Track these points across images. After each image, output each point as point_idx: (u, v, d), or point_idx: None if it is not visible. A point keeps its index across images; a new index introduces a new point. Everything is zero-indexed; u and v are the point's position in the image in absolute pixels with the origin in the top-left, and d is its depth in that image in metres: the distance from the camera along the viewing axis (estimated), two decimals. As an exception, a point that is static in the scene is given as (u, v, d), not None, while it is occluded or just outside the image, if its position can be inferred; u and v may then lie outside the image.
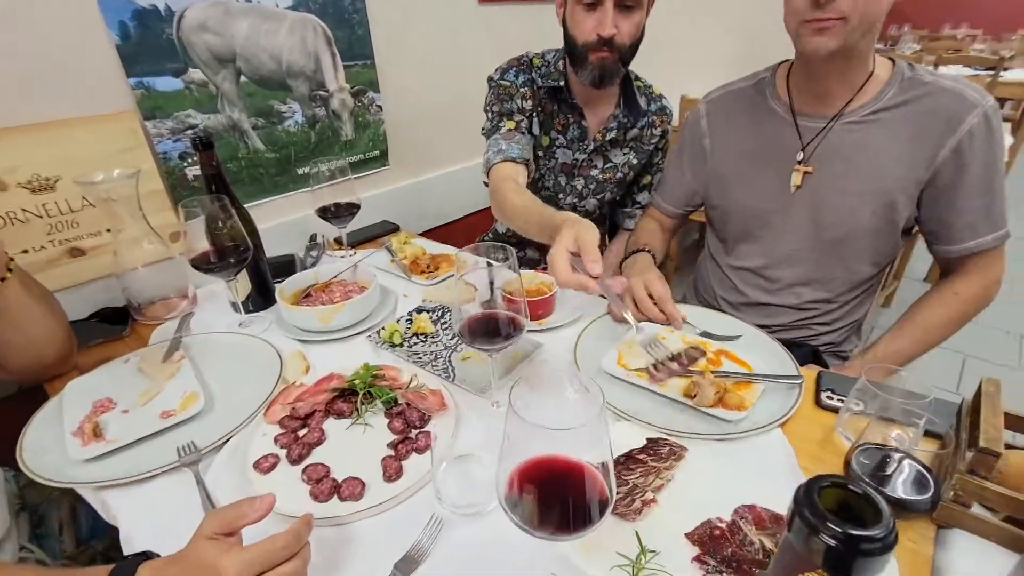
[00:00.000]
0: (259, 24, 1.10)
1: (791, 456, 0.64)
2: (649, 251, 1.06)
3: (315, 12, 1.18)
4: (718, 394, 0.69)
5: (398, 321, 0.95)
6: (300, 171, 1.27)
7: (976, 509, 0.52)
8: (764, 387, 0.73)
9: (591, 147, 1.13)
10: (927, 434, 0.63)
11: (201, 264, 0.87)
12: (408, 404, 0.73)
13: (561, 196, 1.20)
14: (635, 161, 1.16)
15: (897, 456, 0.56)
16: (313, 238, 1.27)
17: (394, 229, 1.39)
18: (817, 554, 0.20)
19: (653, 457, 0.62)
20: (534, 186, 1.17)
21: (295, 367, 0.83)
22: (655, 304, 0.89)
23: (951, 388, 1.98)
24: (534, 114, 1.10)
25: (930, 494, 0.53)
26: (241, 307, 0.99)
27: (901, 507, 0.53)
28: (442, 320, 0.96)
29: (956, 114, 0.83)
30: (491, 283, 0.97)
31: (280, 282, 1.07)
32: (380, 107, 1.37)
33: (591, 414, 0.39)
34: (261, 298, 1.03)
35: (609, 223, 1.40)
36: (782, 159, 0.97)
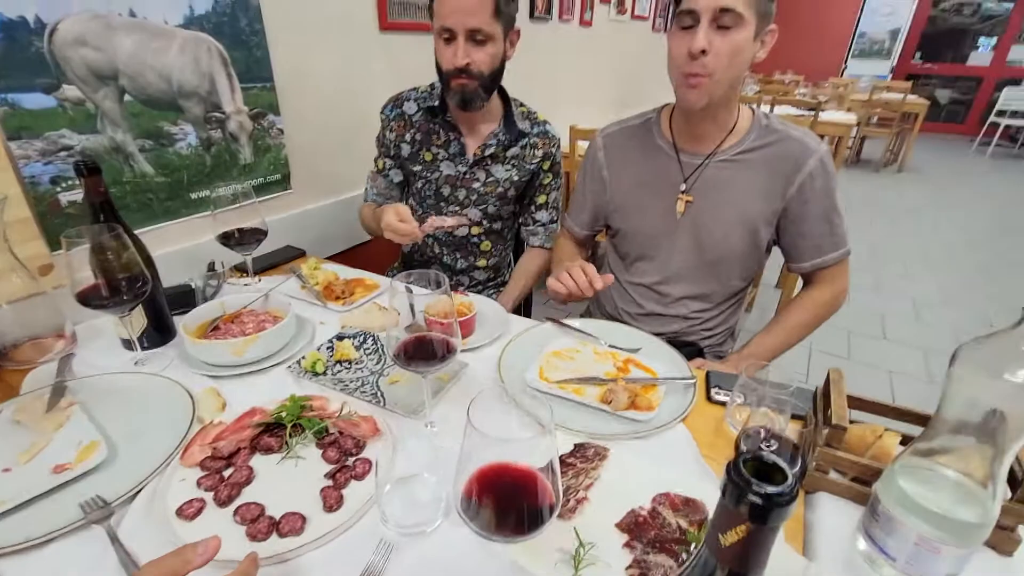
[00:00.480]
0: (146, 41, 1.03)
1: (693, 447, 0.74)
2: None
3: (209, 32, 1.13)
4: (630, 398, 0.78)
5: (319, 349, 0.93)
6: (194, 196, 1.19)
7: (832, 475, 0.65)
8: (665, 388, 0.84)
9: (471, 161, 1.26)
10: (793, 416, 0.77)
11: (91, 299, 0.79)
12: (341, 433, 0.73)
13: (443, 204, 1.31)
14: (516, 177, 1.28)
15: (772, 438, 0.68)
16: (211, 266, 1.19)
17: (299, 254, 1.35)
18: (745, 510, 0.27)
19: (581, 460, 0.69)
20: (420, 195, 1.32)
21: (210, 405, 0.79)
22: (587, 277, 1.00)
23: (803, 376, 2.34)
24: (401, 142, 1.28)
25: (799, 466, 0.65)
26: (136, 344, 0.91)
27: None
28: (365, 346, 0.96)
29: (800, 157, 1.03)
30: (411, 306, 1.00)
31: (179, 314, 1.00)
32: (281, 130, 1.34)
33: (544, 420, 0.44)
34: (158, 333, 0.95)
35: (514, 240, 1.50)
36: (668, 189, 1.12)
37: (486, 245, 1.39)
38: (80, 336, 0.96)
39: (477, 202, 1.30)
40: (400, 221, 1.05)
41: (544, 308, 2.61)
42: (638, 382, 0.84)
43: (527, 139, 1.27)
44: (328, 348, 0.94)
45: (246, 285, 1.19)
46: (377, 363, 0.91)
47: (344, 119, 1.41)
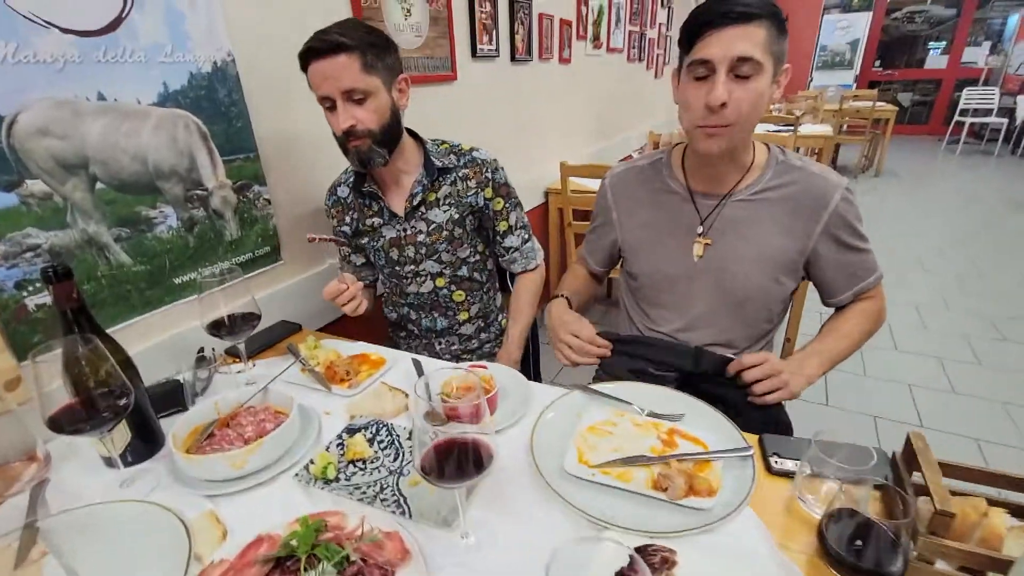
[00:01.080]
0: (117, 124, 0.96)
1: (768, 538, 0.65)
2: (563, 295, 1.19)
3: (186, 107, 1.06)
4: (687, 482, 0.70)
5: (328, 448, 0.84)
6: (178, 281, 1.10)
7: (938, 565, 0.56)
8: (722, 463, 0.75)
9: (404, 217, 1.22)
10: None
11: (66, 423, 0.69)
12: (365, 560, 0.63)
13: (398, 267, 1.28)
14: (457, 215, 1.23)
15: (864, 524, 0.59)
16: (201, 354, 1.09)
17: (295, 329, 1.26)
18: None
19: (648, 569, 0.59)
20: (379, 268, 1.33)
21: (209, 536, 0.68)
22: (588, 343, 1.05)
23: (822, 398, 2.26)
24: (343, 226, 1.29)
25: (900, 562, 0.56)
26: (119, 461, 0.80)
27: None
28: (379, 439, 0.86)
29: (824, 194, 0.99)
30: (427, 386, 0.91)
31: (167, 416, 0.90)
32: (268, 200, 1.26)
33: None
34: (144, 444, 0.85)
35: (496, 278, 1.44)
36: (684, 232, 1.08)
37: (459, 295, 1.32)
38: (55, 455, 0.85)
39: (428, 254, 1.25)
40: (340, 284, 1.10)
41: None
42: (689, 458, 0.75)
43: (454, 173, 1.22)
44: (339, 446, 0.84)
45: (239, 373, 1.09)
46: (395, 459, 0.82)
47: (329, 180, 1.33)
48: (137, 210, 1.01)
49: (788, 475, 0.75)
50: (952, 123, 7.39)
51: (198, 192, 1.11)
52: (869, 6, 8.13)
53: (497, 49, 2.07)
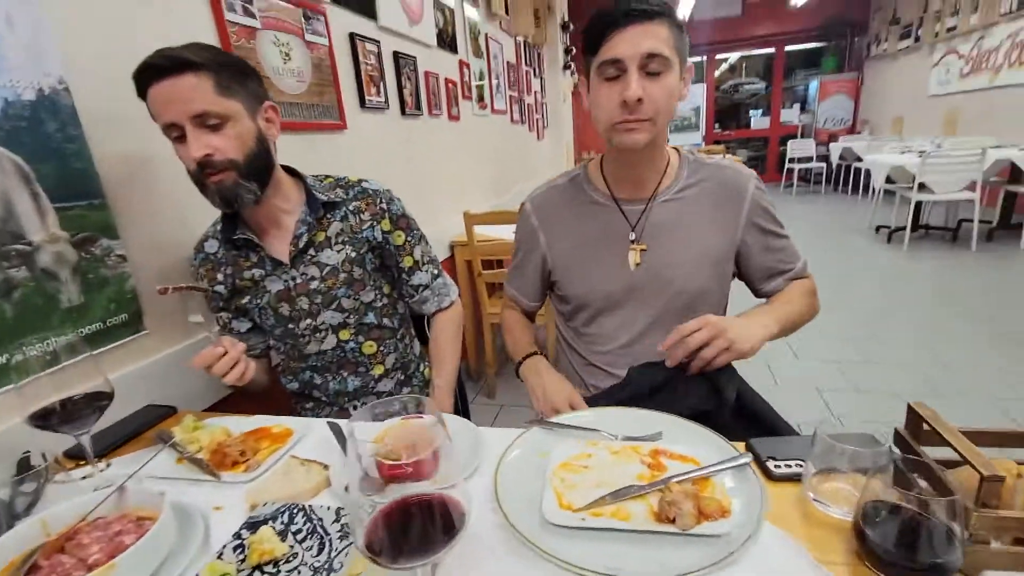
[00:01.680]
0: None
1: (801, 551, 0.54)
2: (538, 353, 1.09)
3: (-1, 141, 0.83)
4: (695, 506, 0.58)
5: (221, 556, 0.60)
6: (-12, 364, 0.81)
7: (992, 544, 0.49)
8: (721, 478, 0.65)
9: (290, 264, 1.04)
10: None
11: None
12: None
13: (292, 325, 1.07)
14: (354, 253, 1.08)
15: (905, 512, 0.51)
16: (24, 462, 0.79)
17: (167, 413, 0.99)
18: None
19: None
20: (269, 329, 1.11)
21: None
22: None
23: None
24: (216, 286, 1.07)
25: (957, 548, 0.48)
26: None
27: (938, 570, 0.48)
28: (292, 528, 0.64)
29: (739, 184, 1.01)
30: (357, 454, 0.72)
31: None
32: (123, 256, 1.02)
33: None
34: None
35: (407, 322, 1.26)
36: (616, 242, 1.03)
37: (369, 347, 1.13)
38: None
39: (325, 303, 1.07)
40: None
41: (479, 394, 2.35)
42: (687, 478, 0.64)
43: (344, 207, 1.08)
44: (237, 549, 0.61)
45: (84, 479, 0.81)
46: (319, 552, 0.61)
47: (195, 233, 1.12)
48: (-82, 271, 0.74)
49: (791, 479, 0.66)
50: (784, 170, 8.67)
51: (17, 248, 0.85)
52: (702, 79, 9.54)
53: (386, 101, 2.01)
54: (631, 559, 0.55)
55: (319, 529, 0.64)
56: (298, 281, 1.05)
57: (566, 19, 5.48)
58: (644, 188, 1.02)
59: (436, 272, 1.20)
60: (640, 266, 1.01)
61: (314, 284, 1.06)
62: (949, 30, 6.29)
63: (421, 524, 0.45)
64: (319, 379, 1.14)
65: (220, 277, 1.06)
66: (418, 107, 2.27)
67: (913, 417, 0.59)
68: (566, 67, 5.43)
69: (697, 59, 9.78)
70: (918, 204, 4.55)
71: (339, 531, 0.64)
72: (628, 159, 0.98)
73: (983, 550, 0.48)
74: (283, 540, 0.62)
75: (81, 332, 0.94)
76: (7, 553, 0.59)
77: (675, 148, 1.06)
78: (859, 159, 6.84)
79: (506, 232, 2.36)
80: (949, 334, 2.89)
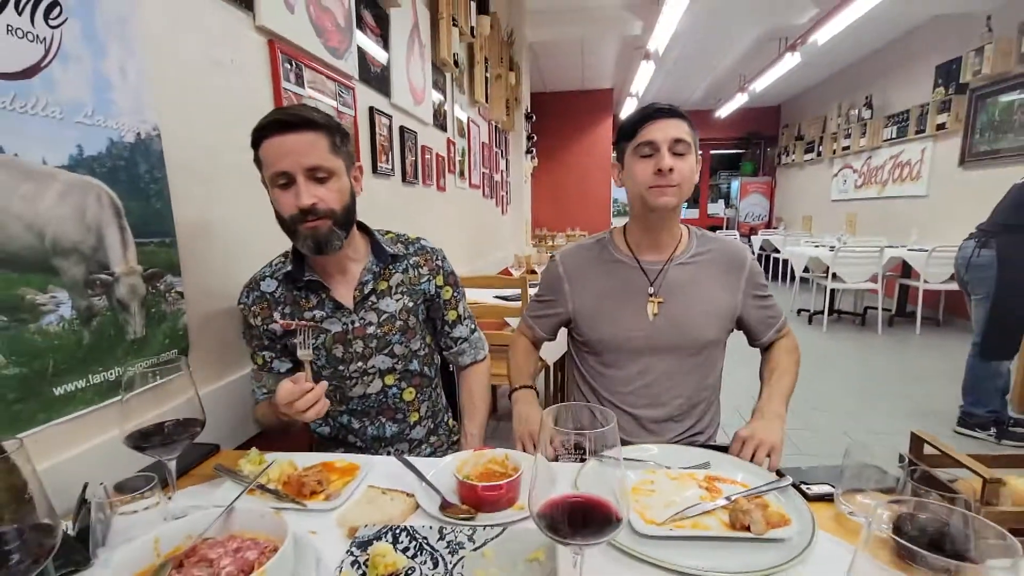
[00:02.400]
0: (12, 184, 0.75)
1: (852, 548, 0.66)
2: (529, 386, 1.24)
3: (101, 177, 0.88)
4: (764, 515, 0.69)
5: (339, 572, 0.64)
6: (60, 391, 0.81)
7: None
8: (770, 496, 0.77)
9: (352, 309, 1.12)
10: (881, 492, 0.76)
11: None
12: None
13: (342, 367, 1.12)
14: (411, 304, 1.17)
15: (929, 517, 0.65)
16: (84, 499, 0.78)
17: (211, 451, 0.99)
18: None
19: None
20: (313, 370, 1.11)
21: None
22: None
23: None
24: (271, 324, 1.10)
25: (971, 537, 0.62)
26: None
27: (960, 559, 0.61)
28: (399, 545, 0.69)
29: (739, 256, 1.23)
30: (428, 483, 0.81)
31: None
32: (181, 294, 1.04)
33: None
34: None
35: (441, 366, 1.33)
36: (636, 295, 1.20)
37: (409, 394, 1.19)
38: None
39: (379, 348, 1.13)
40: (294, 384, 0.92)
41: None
42: (746, 496, 0.75)
43: (405, 261, 1.19)
44: (355, 564, 0.65)
45: (148, 509, 0.79)
46: (435, 567, 0.66)
47: (248, 277, 1.17)
48: (20, 292, 0.76)
49: (823, 498, 0.79)
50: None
51: (103, 276, 0.88)
52: (641, 172, 10.53)
53: (392, 169, 2.16)
54: (716, 560, 0.65)
55: (426, 547, 0.69)
56: (356, 325, 1.11)
57: (529, 111, 6.02)
58: (662, 251, 1.21)
59: (473, 327, 1.30)
60: (657, 316, 1.18)
61: (371, 329, 1.12)
62: (844, 149, 7.45)
63: (583, 515, 0.53)
64: (357, 423, 1.16)
65: (276, 316, 1.09)
66: (416, 176, 2.43)
67: (916, 442, 0.75)
68: (528, 152, 5.88)
69: (636, 154, 10.83)
70: (832, 291, 5.17)
71: (446, 547, 0.69)
72: (653, 223, 1.18)
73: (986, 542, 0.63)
74: (404, 554, 0.66)
75: (140, 364, 0.95)
76: (126, 570, 0.60)
77: (685, 225, 1.27)
78: (776, 250, 7.68)
79: (486, 295, 2.49)
80: (871, 405, 3.25)
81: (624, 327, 1.19)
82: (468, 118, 3.53)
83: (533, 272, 3.19)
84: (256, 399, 1.14)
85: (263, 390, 1.12)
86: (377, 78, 2.02)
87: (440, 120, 2.85)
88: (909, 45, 6.19)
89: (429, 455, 1.24)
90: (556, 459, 0.55)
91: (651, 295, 1.18)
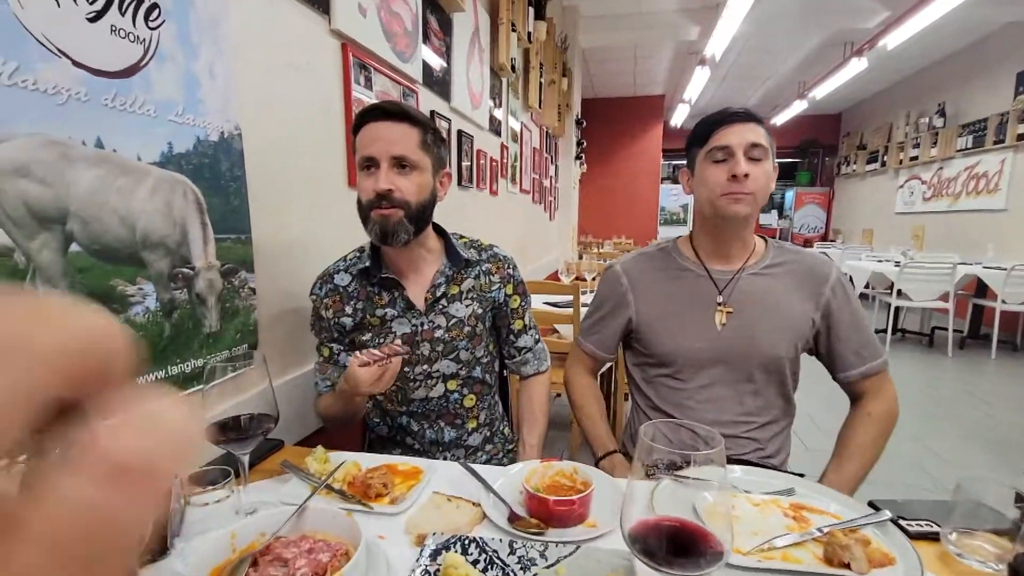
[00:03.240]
0: (110, 178, 0.78)
1: (971, 598, 0.60)
2: (617, 451, 1.16)
3: (187, 173, 0.90)
4: (865, 552, 0.63)
5: (412, 579, 0.62)
6: (140, 382, 0.83)
7: None
8: (867, 531, 0.70)
9: (424, 309, 1.12)
10: (996, 532, 0.68)
11: None
12: None
13: (408, 368, 1.12)
14: (480, 310, 1.16)
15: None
16: (161, 484, 0.79)
17: (276, 446, 1.00)
18: None
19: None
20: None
21: None
22: None
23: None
24: (342, 317, 1.11)
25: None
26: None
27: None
28: (468, 556, 0.67)
29: (822, 269, 1.13)
30: (493, 491, 0.78)
31: None
32: (253, 290, 1.07)
33: None
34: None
35: (498, 378, 1.31)
36: (704, 303, 1.14)
37: (470, 400, 1.18)
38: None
39: (445, 351, 1.13)
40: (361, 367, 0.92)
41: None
42: (840, 528, 0.69)
43: (478, 267, 1.17)
44: (427, 574, 0.63)
45: (219, 502, 0.81)
46: (520, 567, 0.63)
47: (315, 273, 1.19)
48: (112, 284, 0.79)
49: (926, 537, 0.72)
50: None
51: (184, 270, 0.91)
52: (689, 180, 10.31)
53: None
54: (817, 598, 0.60)
55: (497, 560, 0.67)
56: (425, 327, 1.11)
57: (580, 117, 5.98)
58: (732, 261, 1.15)
59: (537, 337, 1.28)
60: (726, 327, 1.11)
61: (439, 332, 1.11)
62: (912, 159, 7.04)
63: (678, 543, 0.50)
64: (416, 426, 1.16)
65: (348, 310, 1.10)
66: (470, 180, 2.44)
67: (1042, 482, 0.67)
68: (577, 157, 5.84)
69: (686, 162, 10.62)
70: (896, 309, 4.87)
71: (518, 563, 0.66)
72: (723, 232, 1.12)
73: None
74: (476, 567, 0.64)
75: (214, 358, 0.97)
76: (205, 563, 0.60)
77: (761, 236, 1.20)
78: (835, 264, 7.32)
79: (535, 301, 2.46)
80: (939, 431, 3.03)
81: (690, 337, 1.13)
82: (521, 123, 3.52)
83: (581, 279, 3.14)
84: (319, 391, 1.14)
85: (327, 383, 1.13)
86: (438, 82, 2.04)
87: (495, 125, 2.86)
88: (985, 51, 5.81)
89: (485, 463, 1.22)
90: (648, 478, 0.51)
91: (720, 304, 1.12)
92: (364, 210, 1.02)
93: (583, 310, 2.38)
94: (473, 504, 0.79)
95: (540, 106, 3.81)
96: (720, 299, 1.13)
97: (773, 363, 1.11)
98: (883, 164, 7.88)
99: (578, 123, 5.79)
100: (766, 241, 1.18)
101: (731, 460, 1.04)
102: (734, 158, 1.03)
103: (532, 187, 3.99)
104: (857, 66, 5.60)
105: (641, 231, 8.53)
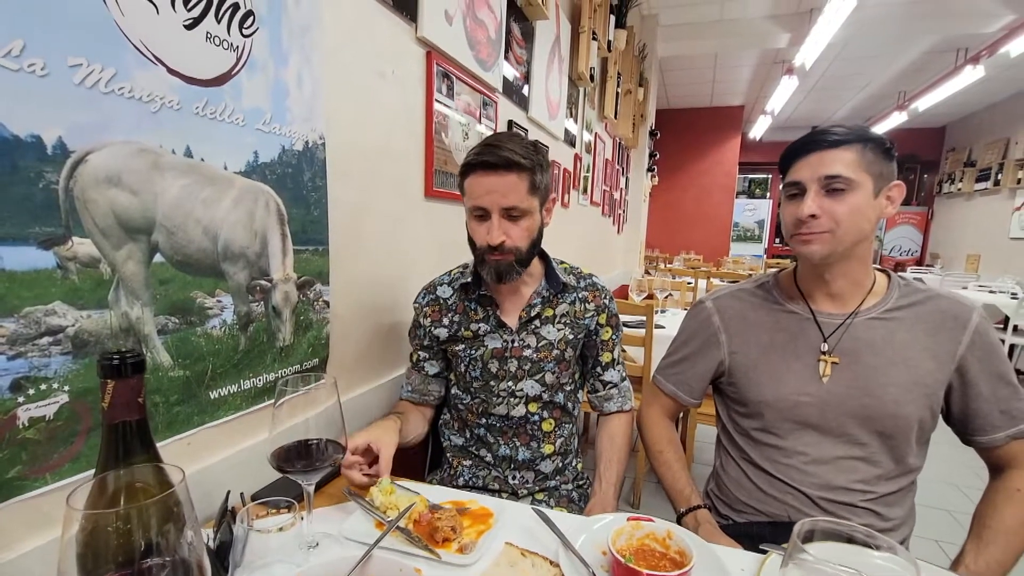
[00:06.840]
0: (196, 188, 0.76)
1: None
2: (705, 505, 1.04)
3: (270, 183, 0.88)
4: None
5: (485, 657, 0.54)
6: (214, 395, 0.81)
7: None
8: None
9: (517, 327, 1.11)
10: None
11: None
12: None
13: (494, 383, 1.10)
14: (571, 336, 1.12)
15: None
16: (226, 509, 0.76)
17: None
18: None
19: None
20: (464, 378, 1.13)
21: None
22: None
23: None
24: (438, 327, 1.13)
25: None
26: None
27: None
28: (551, 636, 0.58)
29: (961, 315, 0.94)
30: (573, 552, 0.68)
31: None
32: (327, 303, 1.04)
33: None
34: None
35: (577, 415, 1.24)
36: (805, 351, 1.00)
37: (548, 425, 1.13)
38: None
39: (531, 371, 1.10)
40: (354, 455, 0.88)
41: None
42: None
43: (575, 293, 1.14)
44: (502, 651, 0.55)
45: (281, 530, 0.77)
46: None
47: (388, 286, 1.16)
48: (193, 295, 0.77)
49: None
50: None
51: (262, 282, 0.88)
52: (767, 195, 9.74)
53: (523, 183, 2.11)
54: None
55: (582, 642, 0.58)
56: (515, 345, 1.10)
57: (653, 128, 5.79)
58: (844, 303, 0.99)
59: (624, 374, 1.22)
60: (830, 379, 0.96)
61: (528, 352, 1.10)
62: (1033, 178, 6.28)
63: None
64: (491, 439, 1.13)
65: (445, 321, 1.13)
66: (543, 191, 2.36)
67: None
68: (649, 169, 5.65)
69: (764, 176, 10.06)
70: (1011, 347, 4.32)
71: (606, 649, 0.57)
72: (816, 270, 0.98)
73: None
74: (552, 650, 0.56)
75: (284, 372, 0.94)
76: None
77: (883, 270, 1.03)
78: (934, 292, 6.64)
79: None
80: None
81: (789, 388, 0.99)
82: (595, 134, 3.42)
83: (652, 297, 2.99)
84: (402, 395, 1.19)
85: (408, 387, 1.18)
86: (517, 91, 1.98)
87: (569, 135, 2.78)
88: None
89: (552, 491, 1.14)
90: None
91: (824, 353, 0.98)
92: (478, 252, 1.04)
93: (655, 332, 2.25)
94: (551, 564, 0.70)
95: (615, 116, 3.69)
96: (825, 347, 0.98)
97: (900, 426, 0.94)
98: (996, 183, 7.09)
99: (652, 134, 5.59)
100: (889, 277, 1.02)
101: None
102: (804, 196, 0.91)
103: (603, 199, 3.87)
104: (972, 75, 5.06)
105: (712, 247, 8.15)
